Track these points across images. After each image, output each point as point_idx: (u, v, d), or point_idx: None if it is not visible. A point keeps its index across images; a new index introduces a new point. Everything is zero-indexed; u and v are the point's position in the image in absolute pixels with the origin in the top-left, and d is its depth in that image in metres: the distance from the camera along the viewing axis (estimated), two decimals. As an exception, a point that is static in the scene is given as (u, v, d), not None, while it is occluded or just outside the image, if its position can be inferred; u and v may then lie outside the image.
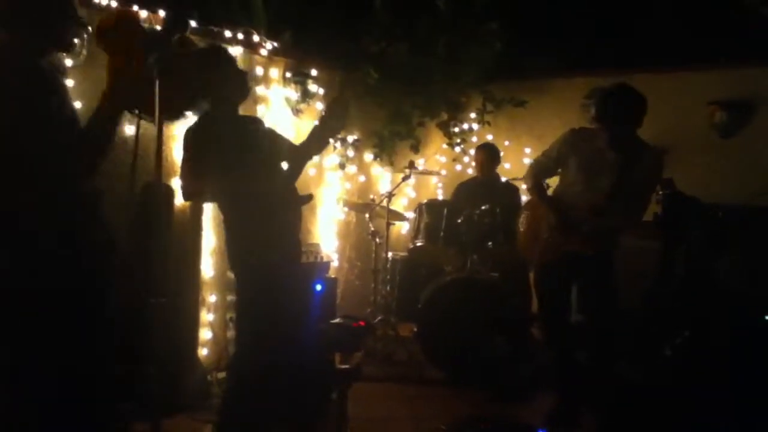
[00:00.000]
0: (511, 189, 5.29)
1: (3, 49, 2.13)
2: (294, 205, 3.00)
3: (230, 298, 4.10)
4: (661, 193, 3.51)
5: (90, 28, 2.29)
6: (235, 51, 4.32)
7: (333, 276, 4.83)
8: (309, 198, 2.99)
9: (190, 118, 2.89)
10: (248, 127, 3.04)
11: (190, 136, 2.85)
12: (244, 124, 3.05)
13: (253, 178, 2.84)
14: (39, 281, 2.02)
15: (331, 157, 5.40)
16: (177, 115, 2.58)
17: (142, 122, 2.32)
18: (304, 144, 2.88)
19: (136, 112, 2.29)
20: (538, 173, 3.71)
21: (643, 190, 3.42)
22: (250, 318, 2.85)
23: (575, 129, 3.57)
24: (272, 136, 3.13)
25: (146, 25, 2.75)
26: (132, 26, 2.38)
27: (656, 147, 3.45)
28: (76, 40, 2.24)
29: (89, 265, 2.15)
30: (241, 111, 3.04)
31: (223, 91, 2.91)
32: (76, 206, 2.13)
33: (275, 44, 4.61)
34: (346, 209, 5.58)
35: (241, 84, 2.98)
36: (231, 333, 4.04)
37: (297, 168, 2.94)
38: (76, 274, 2.10)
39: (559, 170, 3.63)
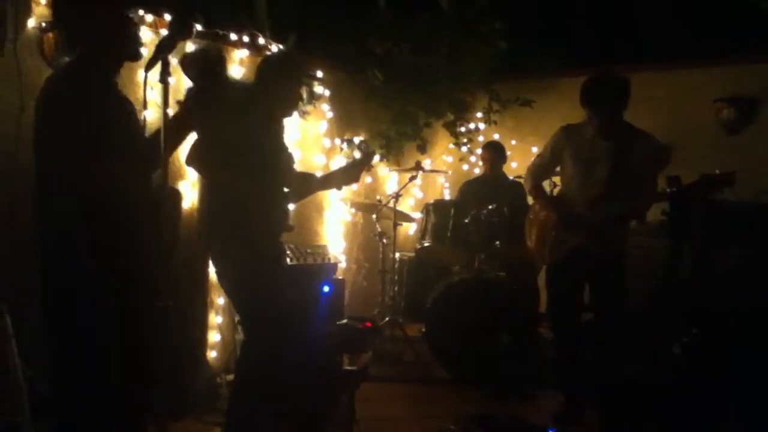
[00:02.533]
0: (517, 188, 5.28)
1: (81, 67, 2.20)
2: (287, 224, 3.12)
3: (222, 300, 4.12)
4: (668, 190, 3.50)
5: None
6: (241, 53, 4.34)
7: (340, 277, 4.83)
8: (291, 228, 3.16)
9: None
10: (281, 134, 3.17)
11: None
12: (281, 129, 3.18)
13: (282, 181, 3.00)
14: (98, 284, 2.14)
15: (337, 158, 5.41)
16: None
17: (148, 128, 2.38)
18: (316, 179, 3.24)
19: None
20: (536, 174, 3.75)
21: (643, 175, 3.38)
22: (258, 319, 2.87)
23: (564, 126, 3.62)
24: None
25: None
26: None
27: (649, 133, 3.46)
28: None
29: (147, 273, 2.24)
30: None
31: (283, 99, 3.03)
32: (141, 214, 2.22)
33: (280, 46, 4.63)
34: (352, 210, 5.59)
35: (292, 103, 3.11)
36: (239, 335, 4.06)
37: (302, 194, 3.20)
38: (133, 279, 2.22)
39: (558, 169, 3.67)
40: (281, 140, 3.11)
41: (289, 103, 3.07)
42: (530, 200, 4.20)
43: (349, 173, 3.13)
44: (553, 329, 3.86)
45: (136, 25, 2.36)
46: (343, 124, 5.43)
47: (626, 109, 3.39)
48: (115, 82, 2.29)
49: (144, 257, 2.21)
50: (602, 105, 3.34)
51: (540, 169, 3.75)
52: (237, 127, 2.81)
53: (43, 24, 3.10)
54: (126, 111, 2.28)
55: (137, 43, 2.30)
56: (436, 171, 6.01)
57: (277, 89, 2.97)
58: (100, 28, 2.18)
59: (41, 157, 2.16)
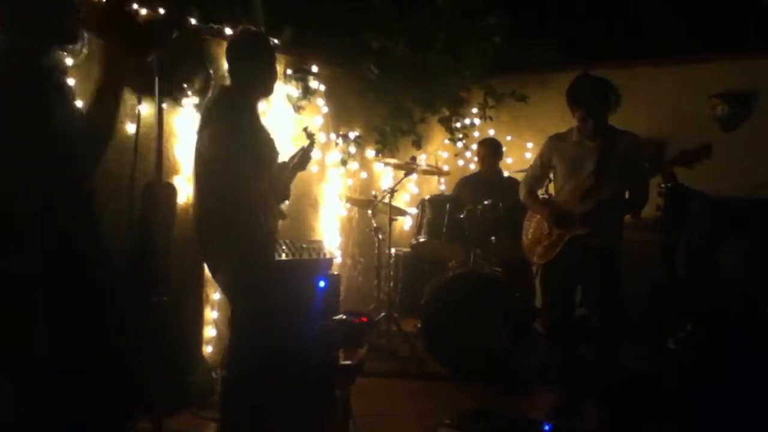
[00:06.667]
0: (513, 184, 5.27)
1: (3, 47, 2.09)
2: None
3: (217, 296, 4.11)
4: (662, 185, 3.51)
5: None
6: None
7: (336, 272, 4.83)
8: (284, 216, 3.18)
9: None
10: (263, 127, 3.12)
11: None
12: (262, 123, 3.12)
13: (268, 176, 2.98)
14: (40, 281, 2.00)
15: (333, 153, 5.40)
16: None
17: (143, 123, 2.33)
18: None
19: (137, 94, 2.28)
20: (529, 184, 3.87)
21: (630, 171, 3.47)
22: (249, 315, 2.86)
23: (551, 135, 3.78)
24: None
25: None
26: (129, 19, 2.34)
27: (632, 131, 3.59)
28: (81, 36, 2.21)
29: (91, 263, 2.15)
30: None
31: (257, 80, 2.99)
32: (77, 206, 2.14)
33: (275, 41, 4.60)
34: (348, 205, 5.58)
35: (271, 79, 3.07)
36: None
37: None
38: (76, 273, 2.09)
39: (551, 176, 3.80)
40: (264, 132, 3.06)
41: (265, 83, 3.03)
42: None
43: (299, 162, 3.26)
44: (549, 326, 3.87)
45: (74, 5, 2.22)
46: (339, 119, 5.42)
47: (611, 108, 3.56)
48: (48, 66, 2.13)
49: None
50: (588, 103, 3.49)
51: (532, 179, 3.87)
52: (221, 134, 2.82)
53: None
54: (50, 94, 2.09)
55: (66, 22, 2.14)
56: (430, 172, 5.97)
57: (249, 70, 2.94)
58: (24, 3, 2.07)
59: None
